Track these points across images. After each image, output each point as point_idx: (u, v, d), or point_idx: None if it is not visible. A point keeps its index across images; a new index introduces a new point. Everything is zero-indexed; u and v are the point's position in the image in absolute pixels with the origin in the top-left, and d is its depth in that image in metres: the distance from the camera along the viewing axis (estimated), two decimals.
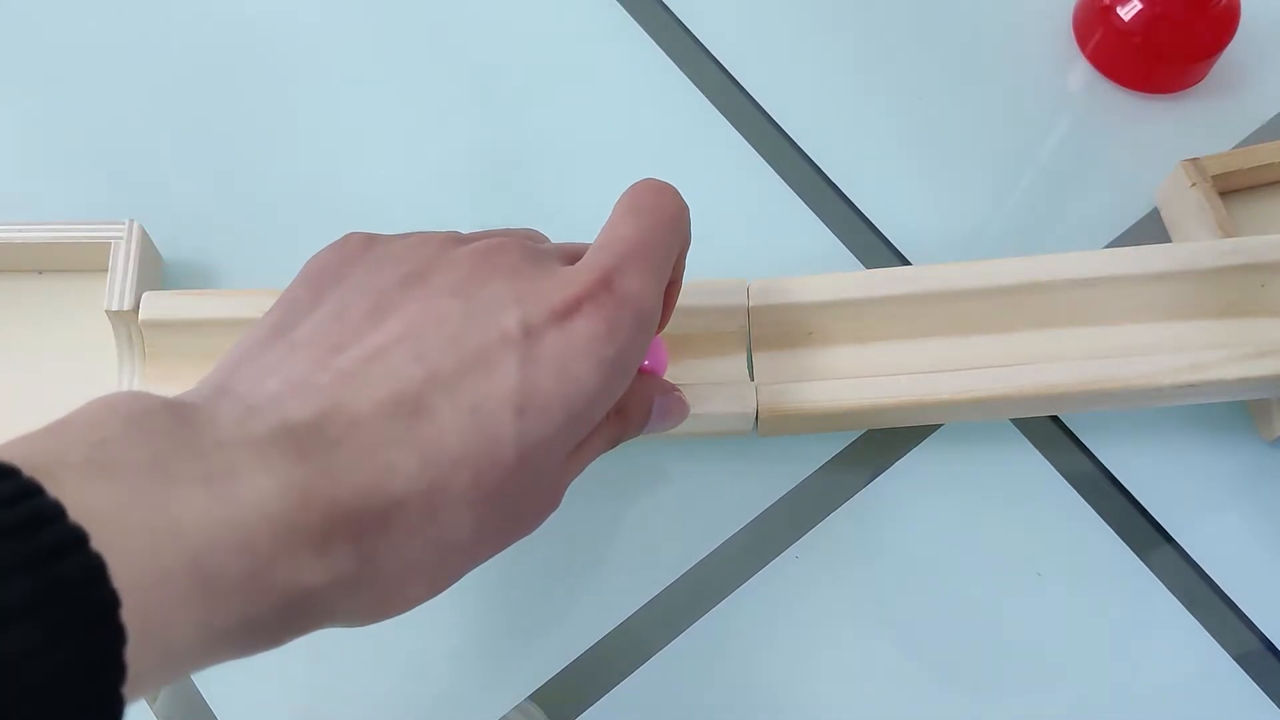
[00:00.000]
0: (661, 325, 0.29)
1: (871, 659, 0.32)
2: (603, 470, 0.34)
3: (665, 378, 0.31)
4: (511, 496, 0.24)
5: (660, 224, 0.27)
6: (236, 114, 0.40)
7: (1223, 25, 0.38)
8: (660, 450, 0.35)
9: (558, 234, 0.39)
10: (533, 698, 0.32)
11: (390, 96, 0.40)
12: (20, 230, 0.34)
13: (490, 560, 0.33)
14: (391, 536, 0.22)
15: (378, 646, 0.32)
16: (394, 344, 0.23)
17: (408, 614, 0.33)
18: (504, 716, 0.32)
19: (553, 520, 0.34)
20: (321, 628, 0.22)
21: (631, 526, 0.34)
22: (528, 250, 0.26)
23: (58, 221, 0.35)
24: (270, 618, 0.20)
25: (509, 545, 0.25)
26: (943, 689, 0.32)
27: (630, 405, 0.29)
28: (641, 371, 0.29)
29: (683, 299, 0.33)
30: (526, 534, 0.26)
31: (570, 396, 0.24)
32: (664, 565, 0.33)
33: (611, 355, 0.25)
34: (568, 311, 0.24)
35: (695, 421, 0.33)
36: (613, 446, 0.28)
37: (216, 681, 0.32)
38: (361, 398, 0.22)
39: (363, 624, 0.23)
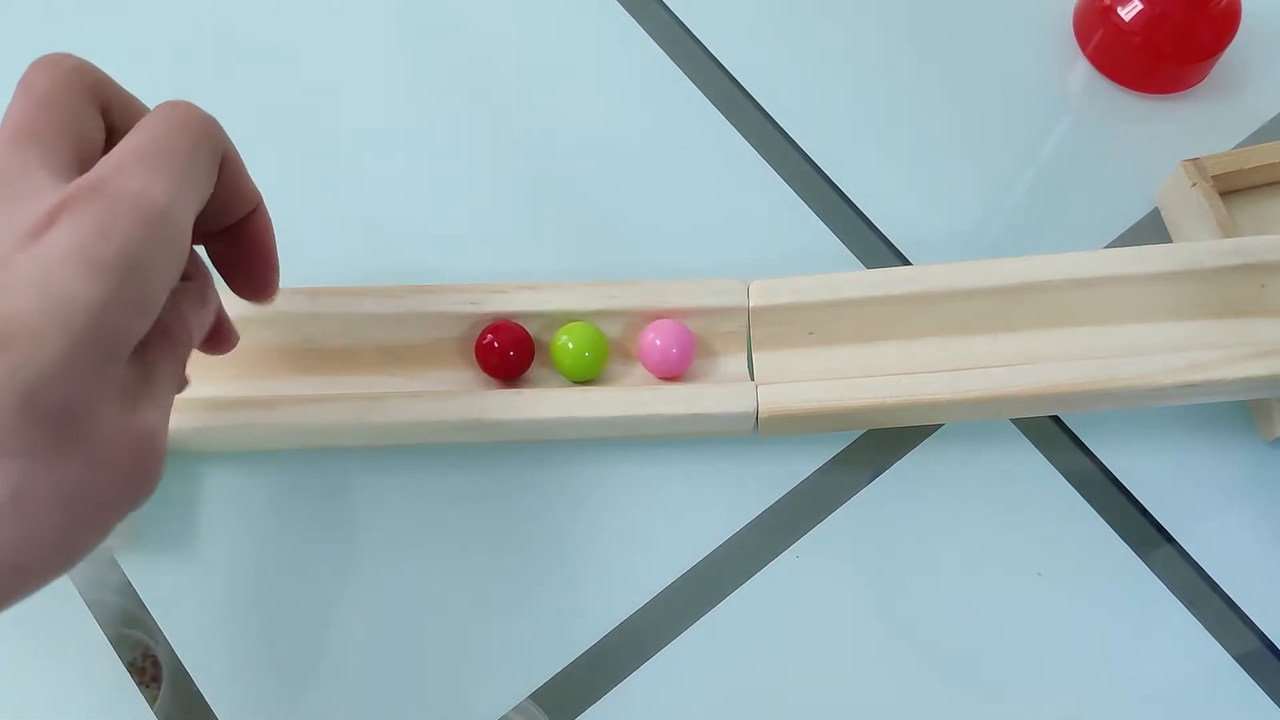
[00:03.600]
0: (256, 261, 0.28)
1: (871, 659, 0.32)
2: (603, 470, 0.34)
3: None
4: (50, 446, 0.21)
5: (171, 128, 0.24)
6: (236, 113, 0.40)
7: (1223, 25, 0.38)
8: (660, 450, 0.35)
9: (556, 234, 0.39)
10: (533, 698, 0.32)
11: (389, 96, 0.40)
12: None
13: (490, 560, 0.33)
14: None
15: (378, 646, 0.32)
16: None
17: (406, 613, 0.33)
18: (504, 716, 0.32)
19: (553, 520, 0.34)
20: None
21: (632, 526, 0.34)
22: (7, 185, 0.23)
23: None
24: None
25: (114, 512, 0.22)
26: (943, 689, 0.32)
27: (169, 321, 0.25)
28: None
29: (683, 299, 0.34)
30: (131, 496, 0.23)
31: (65, 312, 0.21)
32: (664, 565, 0.33)
33: (110, 254, 0.21)
34: (40, 227, 0.22)
35: (695, 421, 0.33)
36: (181, 375, 0.26)
37: (217, 681, 0.32)
38: None
39: None
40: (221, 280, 0.29)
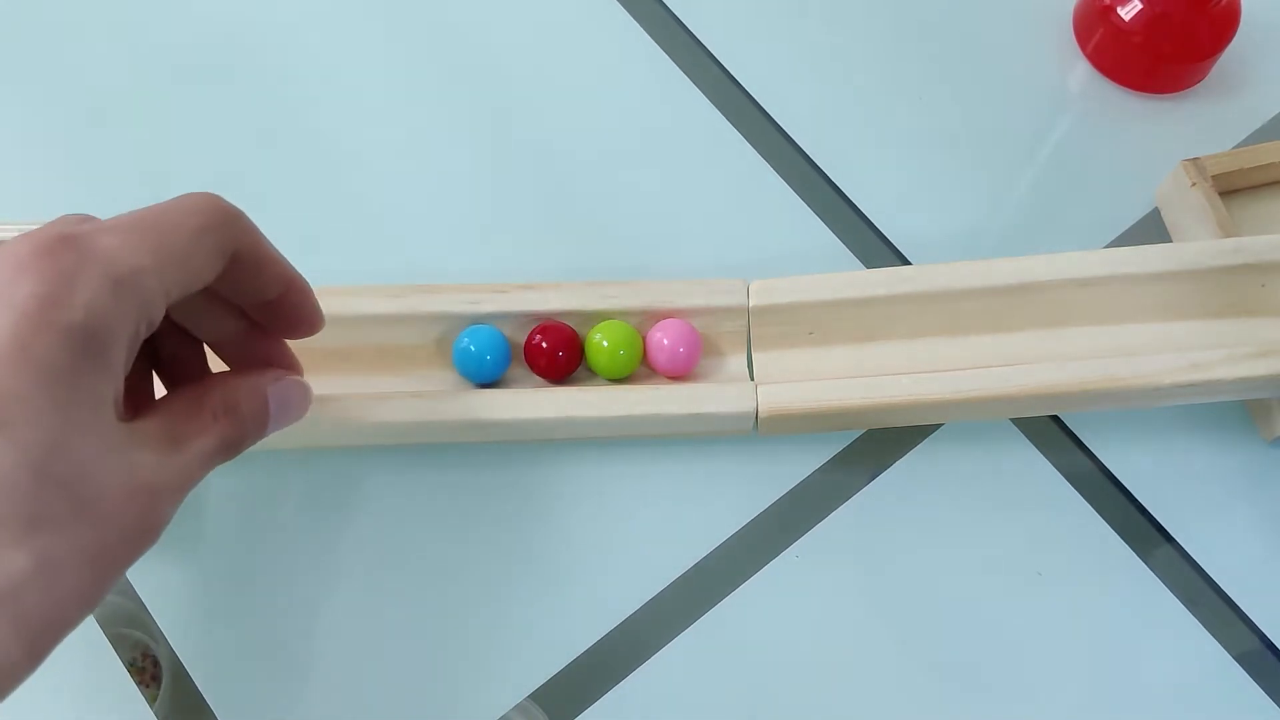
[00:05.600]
0: (298, 323, 0.28)
1: (871, 659, 0.32)
2: (603, 470, 0.34)
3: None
4: (49, 502, 0.21)
5: (178, 208, 0.25)
6: (240, 116, 0.40)
7: (1223, 25, 0.38)
8: (660, 450, 0.35)
9: (556, 234, 0.39)
10: (533, 697, 0.32)
11: (390, 96, 0.40)
12: (19, 230, 0.34)
13: (489, 560, 0.33)
14: None
15: (377, 646, 0.32)
16: None
17: (406, 613, 0.33)
18: (504, 716, 0.32)
19: (552, 520, 0.34)
20: None
21: (632, 526, 0.34)
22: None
23: None
24: None
25: (113, 567, 0.23)
26: (943, 689, 0.32)
27: (241, 401, 0.27)
28: (259, 359, 0.29)
29: (683, 299, 0.34)
30: (136, 551, 0.23)
31: (47, 379, 0.21)
32: (664, 565, 0.33)
33: (79, 318, 0.22)
34: (5, 280, 0.22)
35: (695, 421, 0.33)
36: (231, 451, 0.26)
37: (217, 681, 0.32)
38: None
39: None
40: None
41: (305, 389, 0.29)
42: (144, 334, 0.24)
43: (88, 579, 0.22)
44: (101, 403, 0.23)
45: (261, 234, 0.26)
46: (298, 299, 0.28)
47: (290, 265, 0.27)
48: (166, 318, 0.25)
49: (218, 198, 0.26)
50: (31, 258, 0.22)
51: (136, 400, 0.26)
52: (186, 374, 0.29)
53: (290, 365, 0.30)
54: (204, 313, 0.28)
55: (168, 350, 0.28)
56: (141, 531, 0.23)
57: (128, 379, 0.24)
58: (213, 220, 0.25)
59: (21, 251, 0.22)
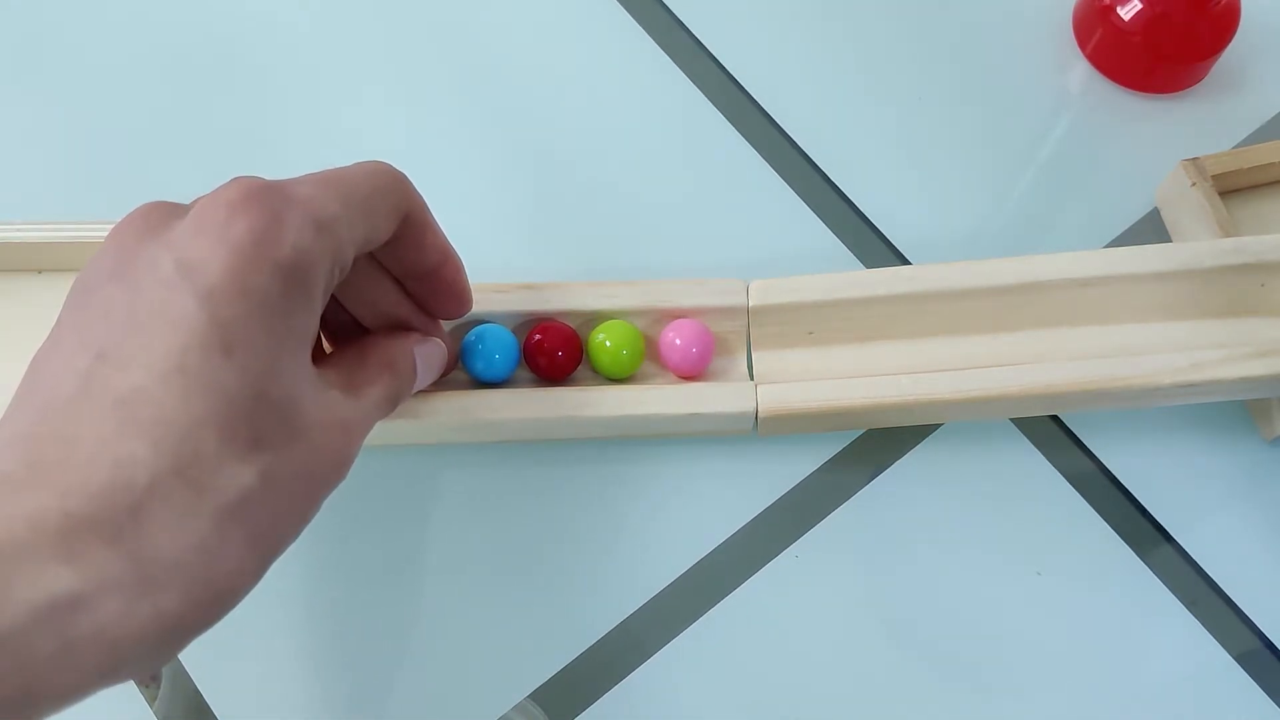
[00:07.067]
0: (449, 301, 0.30)
1: (871, 659, 0.32)
2: (603, 470, 0.34)
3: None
4: (269, 424, 0.23)
5: (358, 172, 0.26)
6: (238, 115, 0.40)
7: (1223, 25, 0.38)
8: (660, 450, 0.35)
9: (556, 234, 0.39)
10: (533, 697, 0.32)
11: (390, 96, 0.40)
12: (20, 230, 0.34)
13: (489, 560, 0.33)
14: (155, 524, 0.21)
15: (377, 645, 0.32)
16: (93, 361, 0.23)
17: (406, 612, 0.33)
18: (504, 716, 0.32)
19: (552, 519, 0.34)
20: (129, 646, 0.21)
21: (631, 526, 0.34)
22: (173, 206, 0.25)
23: (57, 221, 0.34)
24: (26, 630, 0.20)
25: (320, 492, 0.25)
26: (943, 688, 0.32)
27: (397, 358, 0.29)
28: (403, 327, 0.30)
29: (683, 299, 0.34)
30: (335, 477, 0.25)
31: (259, 309, 0.23)
32: (664, 565, 0.33)
33: (288, 255, 0.24)
34: (220, 222, 0.23)
35: (695, 421, 0.33)
36: (392, 404, 0.28)
37: (217, 681, 0.32)
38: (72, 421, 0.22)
39: (205, 618, 0.23)
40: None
41: (444, 351, 0.31)
42: (337, 278, 0.25)
43: (302, 499, 0.24)
44: (306, 337, 0.24)
45: (426, 204, 0.28)
46: (452, 274, 0.29)
47: (447, 240, 0.29)
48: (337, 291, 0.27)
49: (390, 164, 0.27)
50: (242, 200, 0.23)
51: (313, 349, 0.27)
52: (345, 334, 0.30)
53: (437, 332, 0.31)
54: (371, 282, 0.29)
55: (332, 311, 0.29)
56: (339, 463, 0.25)
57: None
58: (389, 182, 0.27)
59: (233, 196, 0.24)
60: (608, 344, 0.33)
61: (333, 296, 0.28)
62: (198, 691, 0.32)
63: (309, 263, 0.24)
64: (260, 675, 0.32)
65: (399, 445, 0.34)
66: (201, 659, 0.32)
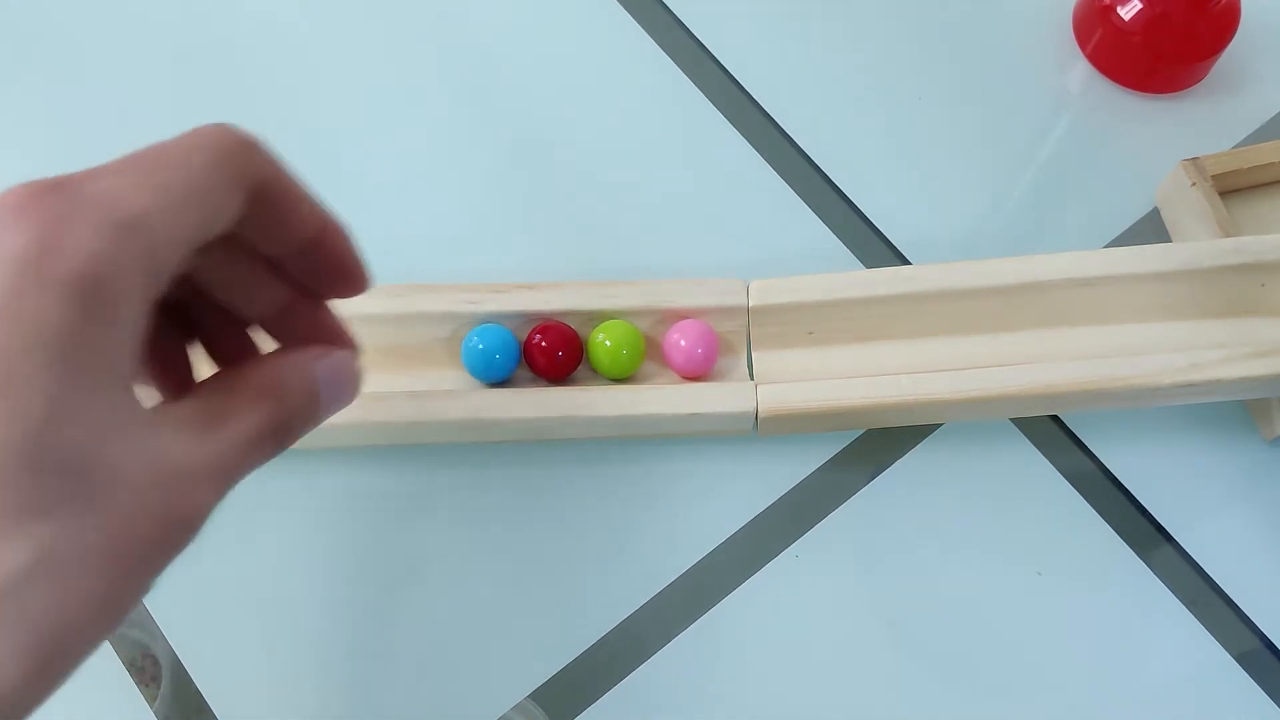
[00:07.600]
0: (339, 274, 0.25)
1: (871, 659, 0.32)
2: (603, 470, 0.34)
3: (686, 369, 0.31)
4: (53, 485, 0.18)
5: (186, 144, 0.22)
6: (240, 114, 0.40)
7: (1223, 25, 0.38)
8: (660, 450, 0.35)
9: (556, 234, 0.39)
10: (533, 697, 0.32)
11: (390, 96, 0.40)
12: None
13: (489, 559, 0.33)
14: None
15: (377, 645, 0.32)
16: None
17: (406, 612, 0.33)
18: (504, 716, 0.32)
19: (552, 519, 0.34)
20: None
21: (631, 526, 0.34)
22: None
23: None
24: None
25: (143, 566, 0.20)
26: (943, 689, 0.32)
27: (284, 379, 0.23)
28: (311, 336, 0.25)
29: (683, 299, 0.34)
30: (171, 541, 0.20)
31: (38, 340, 0.18)
32: (664, 565, 0.33)
33: (76, 268, 0.19)
34: None
35: (695, 421, 0.33)
36: (279, 436, 0.23)
37: (217, 681, 0.32)
38: None
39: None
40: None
41: (355, 364, 0.25)
42: (157, 289, 0.21)
43: (104, 579, 0.19)
44: (110, 369, 0.19)
45: (284, 166, 0.23)
46: (335, 243, 0.24)
47: (323, 205, 0.24)
48: (205, 293, 0.23)
49: (227, 126, 0.22)
50: (19, 206, 0.19)
51: (174, 383, 0.24)
52: (236, 359, 0.26)
53: (342, 342, 0.26)
54: (243, 281, 0.24)
55: (209, 329, 0.25)
56: (170, 524, 0.20)
57: (160, 357, 0.22)
58: (223, 152, 0.22)
59: (9, 201, 0.19)
60: (608, 344, 0.33)
61: (210, 298, 0.24)
62: (198, 691, 0.32)
63: (108, 275, 0.19)
64: (260, 675, 0.32)
65: (402, 445, 0.34)
66: (201, 659, 0.32)
